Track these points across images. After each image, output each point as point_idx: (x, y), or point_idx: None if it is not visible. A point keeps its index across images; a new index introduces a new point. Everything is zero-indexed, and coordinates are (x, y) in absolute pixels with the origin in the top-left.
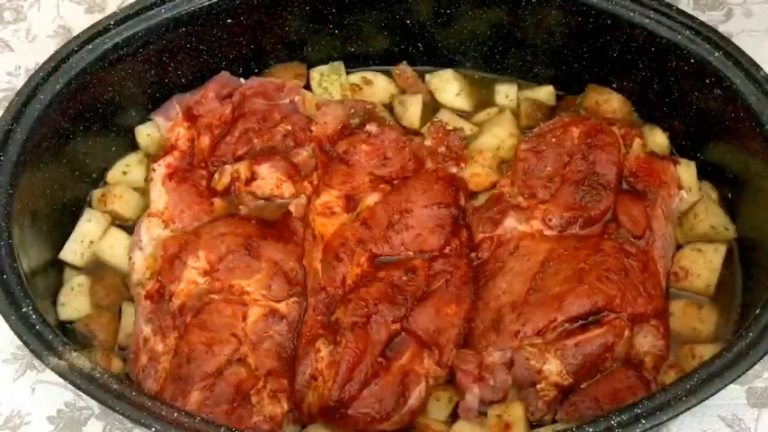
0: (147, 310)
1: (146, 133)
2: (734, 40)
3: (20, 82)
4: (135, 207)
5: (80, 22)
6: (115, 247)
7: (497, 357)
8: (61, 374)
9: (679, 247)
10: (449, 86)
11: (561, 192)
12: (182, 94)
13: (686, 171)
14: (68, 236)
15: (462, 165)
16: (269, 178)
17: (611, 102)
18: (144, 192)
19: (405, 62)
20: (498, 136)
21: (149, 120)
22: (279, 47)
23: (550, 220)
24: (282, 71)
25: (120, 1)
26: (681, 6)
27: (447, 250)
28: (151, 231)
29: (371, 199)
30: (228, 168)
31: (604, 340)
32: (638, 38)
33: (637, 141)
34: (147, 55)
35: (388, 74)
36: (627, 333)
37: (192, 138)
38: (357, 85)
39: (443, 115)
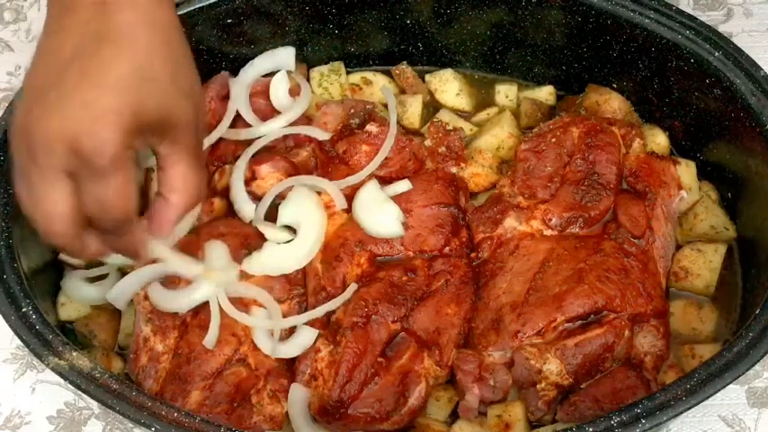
0: (147, 310)
1: None
2: (734, 40)
3: (20, 82)
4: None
5: None
6: None
7: (497, 357)
8: (61, 374)
9: (679, 247)
10: (449, 86)
11: (561, 192)
12: None
13: (686, 171)
14: None
15: (462, 165)
16: (269, 178)
17: (611, 102)
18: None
19: (405, 62)
20: (498, 136)
21: None
22: (279, 47)
23: (550, 219)
24: None
25: None
26: (681, 6)
27: (447, 250)
28: None
29: None
30: (228, 168)
31: (604, 340)
32: (638, 38)
33: (637, 141)
34: None
35: (388, 74)
36: (627, 333)
37: None
38: (357, 85)
39: (443, 115)
